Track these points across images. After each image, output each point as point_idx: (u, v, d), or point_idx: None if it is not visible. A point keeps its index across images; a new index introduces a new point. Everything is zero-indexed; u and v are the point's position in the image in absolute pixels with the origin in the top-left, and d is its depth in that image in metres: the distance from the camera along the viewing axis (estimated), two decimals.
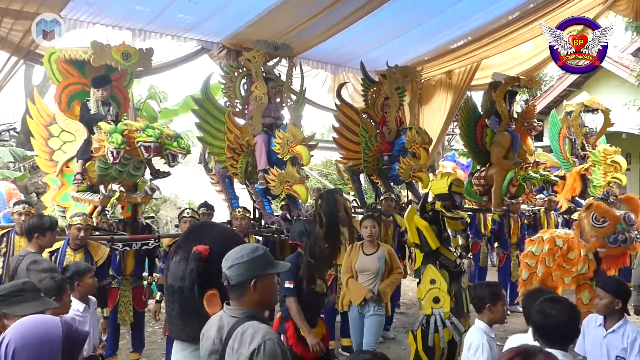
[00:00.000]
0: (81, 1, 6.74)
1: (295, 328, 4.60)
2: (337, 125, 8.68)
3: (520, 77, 10.02)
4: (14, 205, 6.62)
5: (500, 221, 9.31)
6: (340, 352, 6.96)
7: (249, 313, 2.55)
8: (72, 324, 2.10)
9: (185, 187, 15.01)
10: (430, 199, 6.00)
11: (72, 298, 4.12)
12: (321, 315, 5.00)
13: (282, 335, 4.56)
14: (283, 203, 8.43)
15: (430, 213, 5.51)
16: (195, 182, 9.15)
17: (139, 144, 5.96)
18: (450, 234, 5.43)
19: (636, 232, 6.57)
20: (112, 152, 5.86)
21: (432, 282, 5.19)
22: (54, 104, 6.82)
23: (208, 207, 7.25)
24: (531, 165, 9.90)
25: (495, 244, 9.43)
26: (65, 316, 3.45)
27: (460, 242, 5.51)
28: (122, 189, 6.62)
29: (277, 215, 7.74)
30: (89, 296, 4.52)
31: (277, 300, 3.49)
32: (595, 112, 11.68)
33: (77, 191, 6.42)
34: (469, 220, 8.50)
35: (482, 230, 9.54)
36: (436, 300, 5.13)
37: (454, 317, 5.21)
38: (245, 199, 8.34)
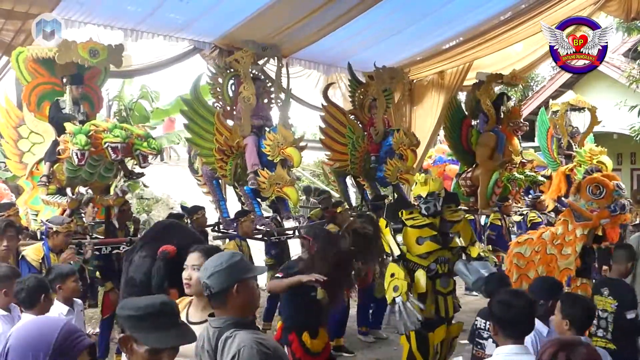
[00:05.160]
0: (72, 1, 6.71)
1: (299, 340, 4.56)
2: (323, 126, 8.69)
3: (503, 73, 10.00)
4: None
5: (500, 225, 9.27)
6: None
7: (231, 321, 2.54)
8: (74, 332, 1.99)
9: (177, 188, 14.97)
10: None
11: (55, 300, 4.09)
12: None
13: (285, 347, 4.52)
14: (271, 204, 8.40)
15: (399, 221, 5.45)
16: (186, 182, 9.14)
17: (106, 144, 5.85)
18: (414, 241, 5.34)
19: (626, 200, 6.68)
20: (76, 154, 5.76)
21: (392, 275, 5.13)
22: (23, 104, 6.69)
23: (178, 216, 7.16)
24: (517, 166, 9.90)
25: (489, 247, 9.39)
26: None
27: (428, 249, 5.36)
28: (89, 191, 6.44)
29: (268, 218, 7.73)
30: (74, 299, 4.46)
31: (259, 303, 3.49)
32: (582, 111, 11.71)
33: (47, 194, 6.30)
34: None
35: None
36: (395, 289, 5.05)
37: (412, 297, 5.02)
38: (233, 201, 8.34)
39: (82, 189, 6.45)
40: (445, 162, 13.71)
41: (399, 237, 5.25)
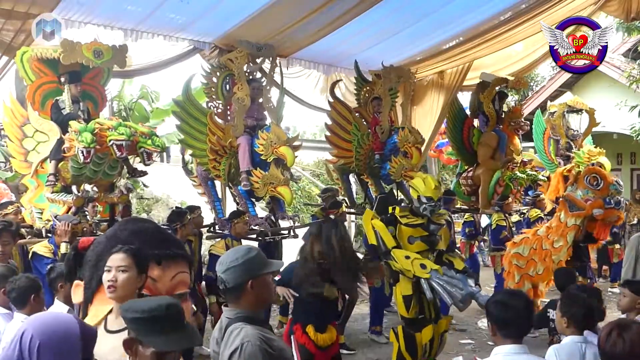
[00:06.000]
0: (72, 1, 6.69)
1: (303, 329, 4.66)
2: (329, 123, 8.68)
3: (508, 78, 10.05)
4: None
5: (505, 225, 9.25)
6: None
7: (242, 314, 2.57)
8: (84, 323, 2.06)
9: (177, 187, 14.97)
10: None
11: (56, 300, 4.08)
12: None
13: (292, 337, 4.65)
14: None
15: (389, 215, 5.47)
16: (186, 182, 9.15)
17: (111, 142, 5.89)
18: (405, 240, 5.34)
19: (623, 198, 6.71)
20: (82, 152, 5.79)
21: (407, 257, 5.12)
22: (28, 103, 6.71)
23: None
24: (518, 165, 9.90)
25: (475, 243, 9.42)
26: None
27: (418, 249, 5.36)
28: (95, 188, 6.50)
29: (262, 218, 7.74)
30: None
31: (274, 298, 3.52)
32: (580, 113, 11.72)
33: (52, 192, 6.33)
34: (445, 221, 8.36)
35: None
36: (423, 266, 5.04)
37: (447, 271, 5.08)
38: (229, 201, 8.33)
39: (87, 187, 6.49)
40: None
41: (391, 229, 5.28)
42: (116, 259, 2.84)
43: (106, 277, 2.84)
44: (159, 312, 2.11)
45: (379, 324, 7.76)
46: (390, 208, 5.59)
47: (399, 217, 5.37)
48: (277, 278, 4.69)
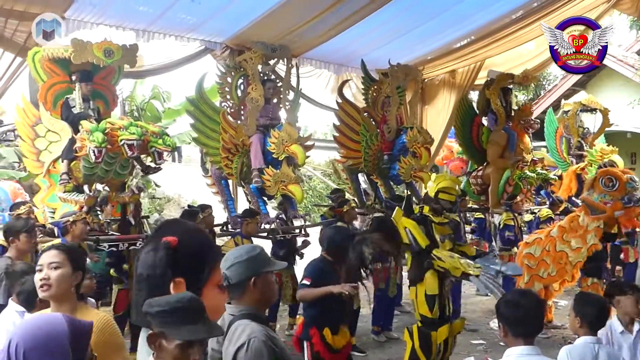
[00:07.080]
0: (85, 2, 6.77)
1: (320, 335, 4.60)
2: (338, 123, 8.67)
3: (514, 74, 9.96)
4: (12, 208, 6.60)
5: (513, 224, 9.17)
6: None
7: (246, 311, 2.59)
8: (75, 319, 2.05)
9: (189, 187, 15.05)
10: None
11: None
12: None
13: (305, 342, 4.60)
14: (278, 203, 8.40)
15: (418, 215, 5.46)
16: (198, 181, 9.21)
17: (122, 142, 5.88)
18: (438, 238, 5.36)
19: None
20: (93, 151, 5.80)
21: (451, 256, 5.12)
22: (40, 103, 6.76)
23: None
24: (528, 164, 9.80)
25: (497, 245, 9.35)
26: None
27: (447, 247, 5.37)
28: (106, 188, 6.54)
29: (273, 216, 7.76)
30: (88, 297, 4.47)
31: (276, 297, 3.53)
32: (594, 112, 11.62)
33: (64, 191, 6.37)
34: (457, 219, 8.28)
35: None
36: (468, 264, 5.02)
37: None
38: (242, 201, 8.36)
39: (99, 186, 6.53)
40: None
41: (421, 228, 5.28)
42: (47, 256, 2.73)
43: (37, 277, 2.70)
44: (183, 304, 2.15)
45: (379, 324, 7.75)
46: (416, 208, 5.58)
47: (431, 216, 5.38)
48: (306, 282, 4.62)
